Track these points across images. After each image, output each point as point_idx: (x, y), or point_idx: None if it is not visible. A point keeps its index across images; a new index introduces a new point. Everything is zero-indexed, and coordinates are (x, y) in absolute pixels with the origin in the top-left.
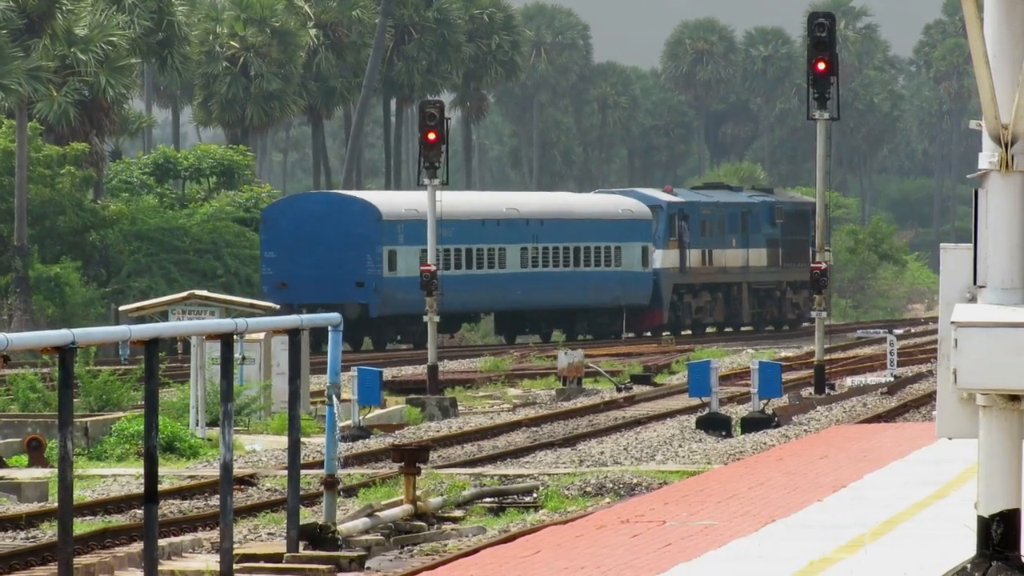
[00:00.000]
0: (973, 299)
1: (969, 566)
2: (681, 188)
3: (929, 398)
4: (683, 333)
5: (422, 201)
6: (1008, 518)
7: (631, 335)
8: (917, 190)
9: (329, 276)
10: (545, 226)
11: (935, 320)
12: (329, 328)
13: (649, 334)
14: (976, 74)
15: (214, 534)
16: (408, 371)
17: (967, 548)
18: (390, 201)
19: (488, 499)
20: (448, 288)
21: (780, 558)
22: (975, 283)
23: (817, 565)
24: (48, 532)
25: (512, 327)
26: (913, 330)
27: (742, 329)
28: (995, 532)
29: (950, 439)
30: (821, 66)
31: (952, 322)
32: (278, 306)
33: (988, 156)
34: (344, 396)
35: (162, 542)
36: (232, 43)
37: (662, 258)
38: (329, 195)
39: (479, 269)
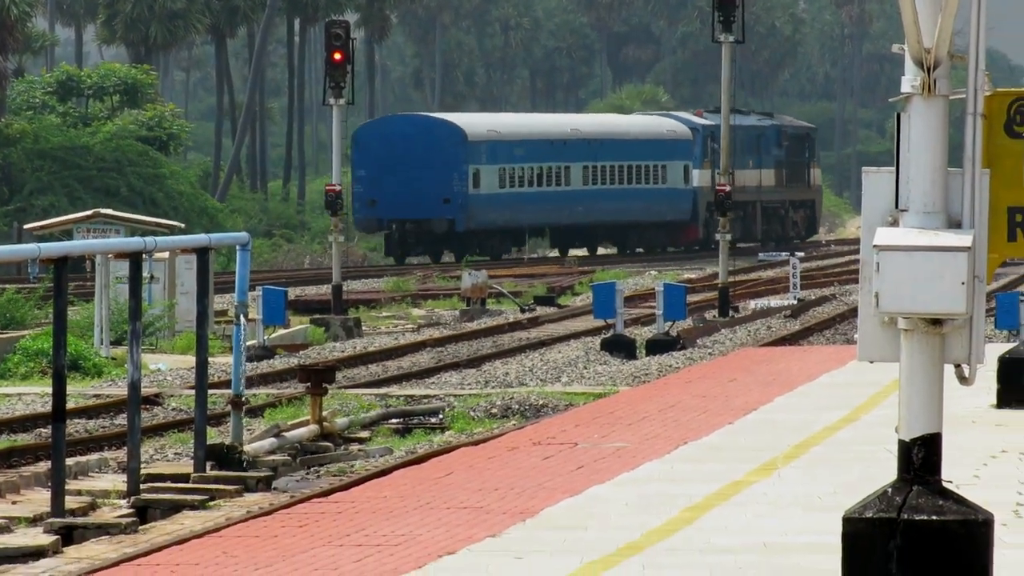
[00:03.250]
0: (895, 223)
1: (890, 490)
2: (707, 112)
3: (833, 321)
4: (713, 247)
5: (503, 122)
6: (929, 442)
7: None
8: (818, 114)
9: (417, 193)
10: (604, 145)
11: (837, 243)
12: (237, 247)
13: (682, 248)
14: None
15: (120, 453)
16: (312, 291)
17: (879, 471)
18: (474, 123)
19: (394, 420)
20: (521, 204)
21: (693, 480)
22: (897, 207)
23: (731, 488)
24: None
25: (567, 241)
26: (815, 253)
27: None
28: (916, 456)
29: (871, 362)
30: None
31: (874, 246)
32: (183, 225)
33: (910, 80)
34: (249, 316)
35: (69, 461)
36: None
37: (698, 177)
38: (417, 117)
39: (548, 187)
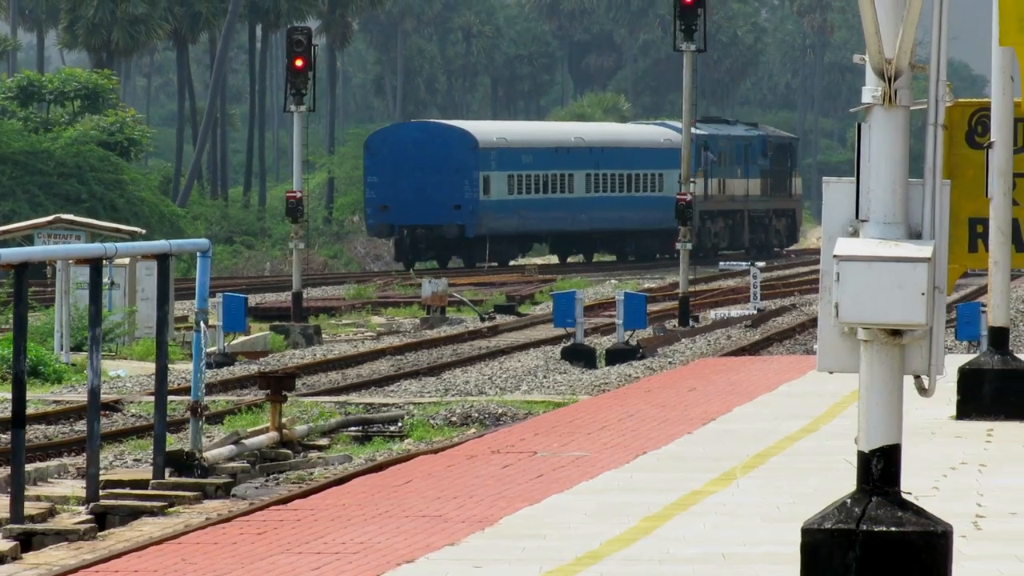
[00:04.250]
0: (855, 233)
1: (849, 501)
2: (699, 121)
3: (793, 331)
4: (702, 255)
5: (512, 130)
6: (888, 453)
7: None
8: (780, 123)
9: (428, 199)
10: (605, 154)
11: (797, 253)
12: (198, 254)
13: (660, 256)
14: (860, 8)
15: (80, 460)
16: (272, 298)
17: (838, 482)
18: (485, 130)
19: (353, 428)
20: (528, 211)
21: (653, 490)
22: (857, 217)
23: (689, 497)
24: None
25: (568, 249)
26: (776, 263)
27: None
28: (875, 467)
29: (831, 373)
30: None
31: (834, 256)
32: (144, 231)
33: (871, 91)
34: (209, 322)
35: (28, 467)
36: None
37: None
38: (429, 124)
39: (552, 194)
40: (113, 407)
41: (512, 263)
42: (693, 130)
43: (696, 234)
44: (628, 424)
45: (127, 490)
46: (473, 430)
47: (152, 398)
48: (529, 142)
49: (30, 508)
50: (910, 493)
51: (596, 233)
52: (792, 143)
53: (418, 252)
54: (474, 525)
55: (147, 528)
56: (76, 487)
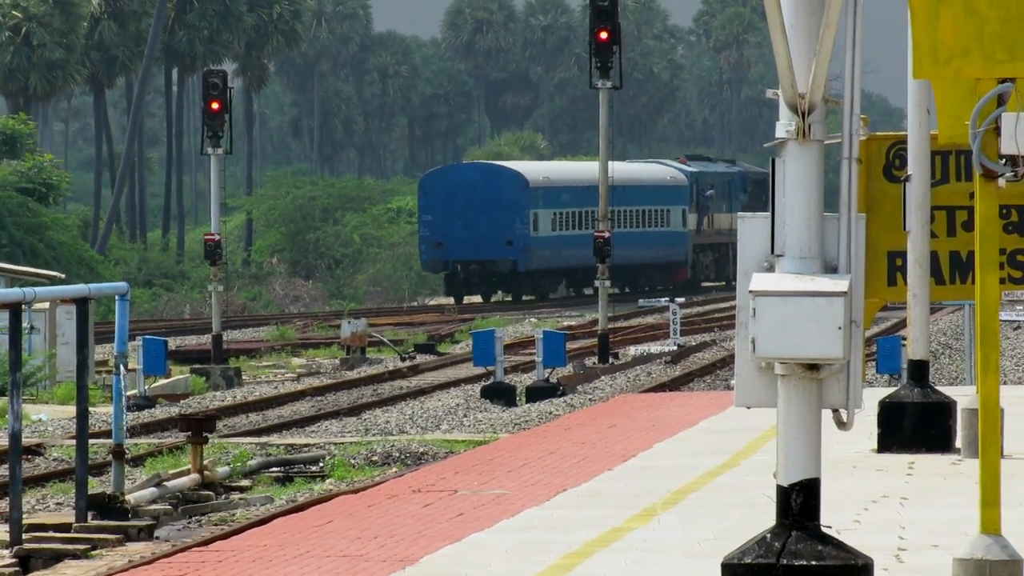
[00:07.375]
0: (771, 268)
1: (769, 536)
2: (689, 159)
3: (713, 367)
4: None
5: (553, 169)
6: (807, 487)
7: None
8: None
9: (481, 236)
10: (626, 191)
11: (719, 288)
12: (116, 297)
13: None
14: (773, 43)
15: (2, 504)
16: (192, 340)
17: (758, 517)
18: (532, 170)
19: (275, 468)
20: (567, 247)
21: (573, 527)
22: (773, 252)
23: (610, 534)
24: None
25: (589, 283)
26: (695, 299)
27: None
28: (795, 502)
29: (748, 408)
30: (603, 35)
31: (750, 291)
32: (63, 275)
33: (785, 125)
34: (130, 365)
35: None
36: (15, 13)
37: (689, 220)
38: (481, 165)
39: (585, 230)
40: (35, 451)
41: (552, 296)
42: (688, 168)
43: (691, 267)
44: (549, 461)
45: (50, 533)
46: (394, 469)
47: (74, 442)
48: (566, 181)
49: None
50: (831, 527)
51: (616, 267)
52: (767, 178)
53: (471, 287)
54: (395, 564)
55: (70, 571)
56: None
